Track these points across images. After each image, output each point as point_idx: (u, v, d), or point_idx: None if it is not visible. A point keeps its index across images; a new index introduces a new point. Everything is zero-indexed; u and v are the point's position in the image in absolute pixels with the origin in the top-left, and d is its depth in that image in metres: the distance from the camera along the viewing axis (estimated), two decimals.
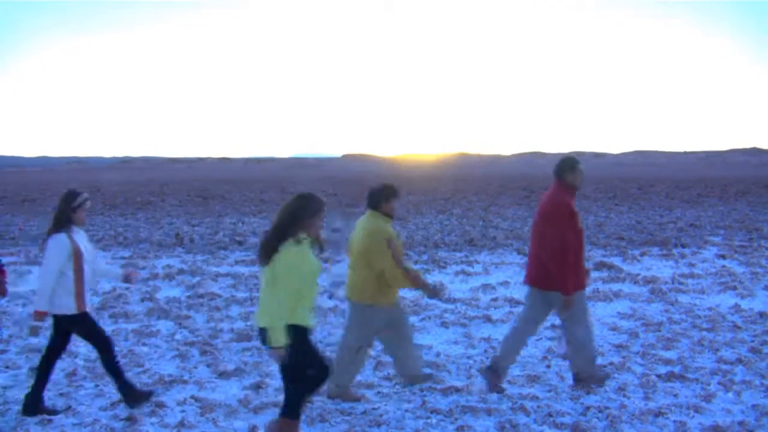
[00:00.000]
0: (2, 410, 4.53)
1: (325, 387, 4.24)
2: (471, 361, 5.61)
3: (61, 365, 5.51)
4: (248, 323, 6.93)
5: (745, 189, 34.48)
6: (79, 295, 4.42)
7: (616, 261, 10.72)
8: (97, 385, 5.02)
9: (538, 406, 4.48)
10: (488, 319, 7.04)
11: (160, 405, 4.55)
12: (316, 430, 4.21)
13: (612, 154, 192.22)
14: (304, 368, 3.65)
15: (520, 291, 8.52)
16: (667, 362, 5.52)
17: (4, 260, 11.19)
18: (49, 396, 4.77)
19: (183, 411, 4.50)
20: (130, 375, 5.27)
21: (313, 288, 3.67)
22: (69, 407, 4.55)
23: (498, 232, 15.14)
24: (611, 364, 5.42)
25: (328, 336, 6.49)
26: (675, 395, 4.74)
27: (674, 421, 4.26)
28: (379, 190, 4.73)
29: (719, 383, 4.94)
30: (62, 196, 4.54)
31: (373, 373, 5.35)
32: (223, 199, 28.96)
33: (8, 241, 14.28)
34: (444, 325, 6.81)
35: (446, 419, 4.31)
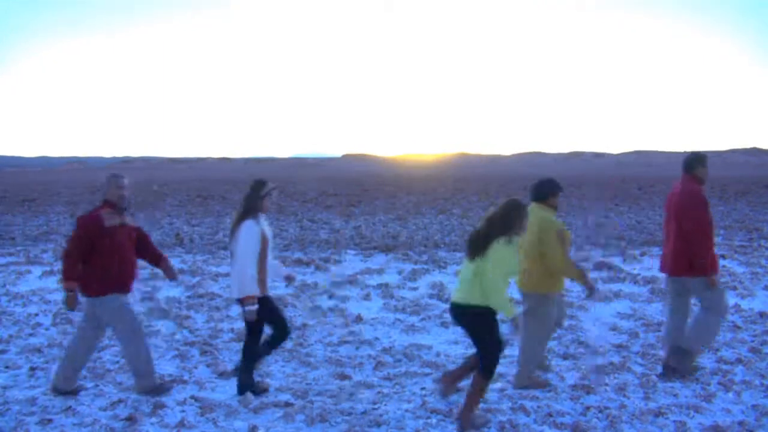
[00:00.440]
0: (2, 410, 4.53)
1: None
2: None
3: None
4: None
5: (745, 189, 34.50)
6: (263, 281, 4.64)
7: (616, 261, 10.72)
8: (97, 385, 5.02)
9: (538, 406, 4.48)
10: None
11: (160, 405, 4.55)
12: (316, 430, 4.21)
13: (612, 154, 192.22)
14: (499, 343, 4.24)
15: (518, 291, 8.51)
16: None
17: (4, 260, 11.21)
18: (49, 396, 4.77)
19: (183, 411, 4.50)
20: (129, 375, 5.28)
21: (507, 282, 4.18)
22: (69, 407, 4.55)
23: None
24: (611, 364, 5.42)
25: (327, 336, 6.49)
26: (675, 395, 4.74)
27: (674, 421, 4.26)
28: (545, 183, 4.99)
29: (719, 383, 4.94)
30: (252, 185, 4.77)
31: (373, 373, 5.35)
32: (223, 199, 28.97)
33: (8, 241, 14.28)
34: (444, 325, 6.81)
35: (446, 419, 4.31)
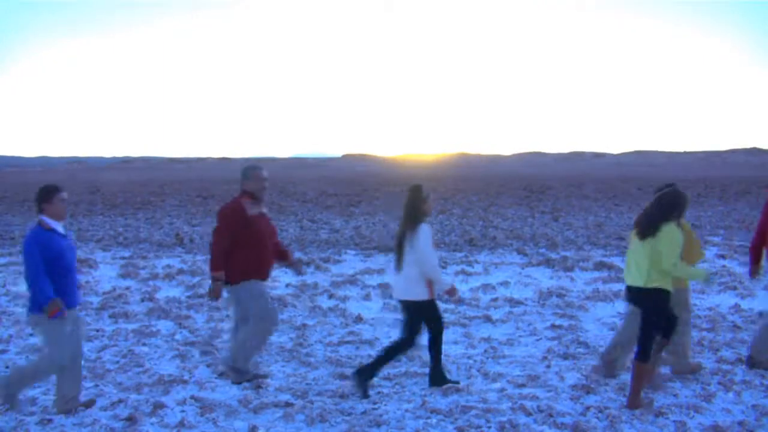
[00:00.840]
0: (2, 410, 4.53)
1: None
2: (471, 361, 5.61)
3: None
4: None
5: (745, 189, 34.49)
6: (430, 283, 4.78)
7: (616, 261, 10.72)
8: (97, 385, 5.02)
9: (538, 406, 4.48)
10: (488, 319, 7.04)
11: (160, 405, 4.54)
12: (316, 430, 4.21)
13: (612, 154, 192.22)
14: (672, 320, 4.60)
15: (520, 291, 8.53)
16: (667, 362, 5.50)
17: (4, 260, 11.21)
18: (49, 396, 4.77)
19: (183, 411, 4.50)
20: (129, 375, 5.28)
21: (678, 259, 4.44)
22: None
23: (498, 232, 15.14)
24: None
25: (327, 336, 6.49)
26: (675, 395, 4.74)
27: (674, 421, 4.26)
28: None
29: (719, 383, 4.94)
30: (412, 190, 4.85)
31: None
32: (223, 199, 28.97)
33: (8, 241, 14.28)
34: (444, 325, 6.80)
35: (446, 419, 4.31)
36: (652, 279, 4.41)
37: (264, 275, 5.08)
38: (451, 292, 4.91)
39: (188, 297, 8.19)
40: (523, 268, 10.20)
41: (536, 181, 45.50)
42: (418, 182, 5.00)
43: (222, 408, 4.54)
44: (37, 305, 4.21)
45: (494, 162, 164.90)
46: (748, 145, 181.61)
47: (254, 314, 4.97)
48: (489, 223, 17.27)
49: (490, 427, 4.19)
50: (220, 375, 5.27)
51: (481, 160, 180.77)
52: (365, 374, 4.80)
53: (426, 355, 5.74)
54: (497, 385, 4.98)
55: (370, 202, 26.58)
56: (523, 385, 4.98)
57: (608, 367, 5.11)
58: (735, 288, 8.47)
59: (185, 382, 5.11)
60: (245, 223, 4.90)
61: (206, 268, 10.24)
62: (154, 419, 4.34)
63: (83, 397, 4.61)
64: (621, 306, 7.64)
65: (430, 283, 4.77)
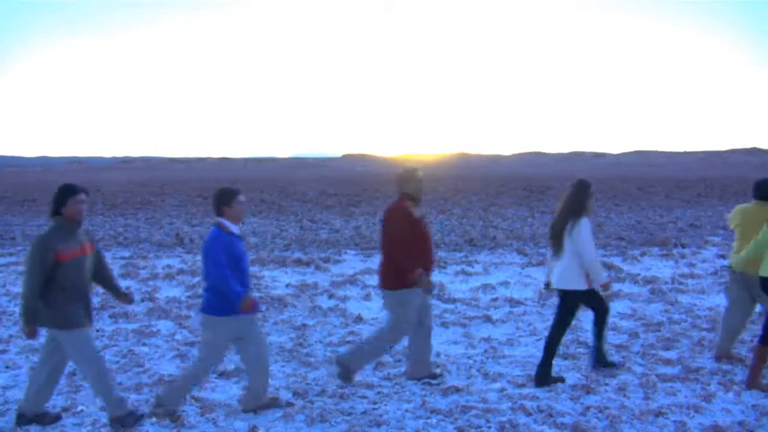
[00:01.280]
0: (2, 410, 4.53)
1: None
2: (471, 361, 5.61)
3: None
4: None
5: (745, 189, 34.45)
6: (587, 275, 4.90)
7: (616, 261, 10.72)
8: None
9: (538, 406, 4.48)
10: (488, 319, 7.04)
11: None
12: (316, 430, 4.21)
13: (612, 154, 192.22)
14: None
15: (520, 291, 8.53)
16: (667, 362, 5.52)
17: (4, 260, 11.20)
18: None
19: (183, 411, 4.49)
20: (129, 375, 5.28)
21: None
22: (69, 407, 4.55)
23: (498, 232, 15.14)
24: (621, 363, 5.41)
25: (327, 336, 6.49)
26: (675, 395, 4.74)
27: (674, 421, 4.26)
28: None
29: (719, 383, 4.94)
30: (579, 185, 5.01)
31: (373, 373, 5.34)
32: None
33: (8, 241, 14.28)
34: (444, 325, 6.81)
35: (446, 419, 4.31)
36: None
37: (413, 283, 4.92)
38: (606, 286, 4.98)
39: (188, 297, 8.19)
40: (523, 268, 10.20)
41: (536, 181, 45.50)
42: (585, 179, 5.12)
43: (222, 408, 4.55)
44: (222, 306, 4.24)
45: (494, 162, 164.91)
46: (748, 145, 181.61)
47: (394, 325, 4.90)
48: (489, 223, 17.27)
49: (490, 427, 4.19)
50: (220, 375, 5.27)
51: (481, 160, 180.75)
52: (544, 375, 4.97)
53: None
54: (497, 385, 4.99)
55: (370, 202, 26.58)
56: (523, 385, 4.98)
57: (728, 356, 5.47)
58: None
59: None
60: (411, 225, 4.85)
61: None
62: (154, 419, 4.34)
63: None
64: (620, 306, 7.65)
65: (587, 274, 4.90)
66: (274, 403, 4.52)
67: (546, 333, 6.41)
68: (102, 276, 4.42)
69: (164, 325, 6.88)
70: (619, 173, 69.41)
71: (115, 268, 10.40)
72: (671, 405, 4.51)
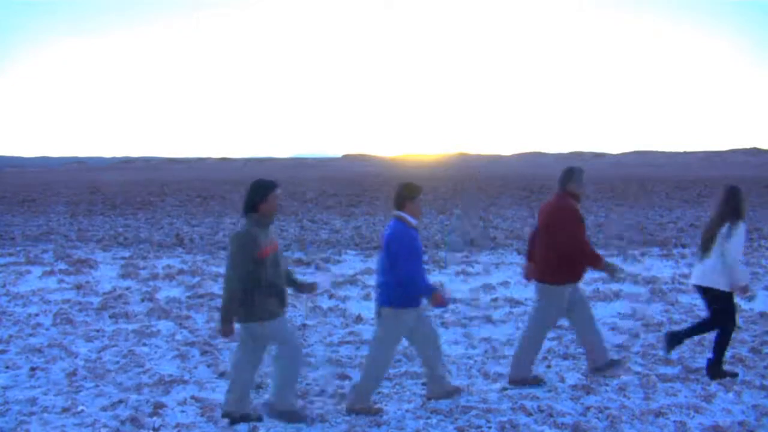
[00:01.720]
0: (2, 410, 4.54)
1: None
2: (471, 362, 5.61)
3: (61, 365, 5.52)
4: None
5: (745, 189, 34.46)
6: (730, 277, 4.98)
7: (617, 261, 10.72)
8: (97, 385, 5.02)
9: (539, 406, 4.48)
10: (488, 319, 7.04)
11: (160, 405, 4.55)
12: (316, 430, 4.21)
13: (612, 154, 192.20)
14: None
15: (520, 291, 8.52)
16: (667, 362, 5.52)
17: (4, 260, 11.20)
18: (49, 396, 4.77)
19: (183, 411, 4.50)
20: (130, 375, 5.28)
21: None
22: (69, 407, 4.55)
23: (498, 232, 15.14)
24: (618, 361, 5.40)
25: (327, 336, 6.49)
26: (675, 395, 4.74)
27: (674, 421, 4.26)
28: None
29: (719, 383, 4.94)
30: (735, 190, 5.12)
31: None
32: (223, 199, 28.97)
33: (8, 241, 14.28)
34: (444, 325, 6.81)
35: (446, 419, 4.31)
36: None
37: (580, 277, 5.04)
38: (744, 290, 5.05)
39: (188, 297, 8.19)
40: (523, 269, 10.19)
41: (536, 181, 45.51)
42: (735, 183, 5.28)
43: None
44: (406, 299, 4.33)
45: (494, 162, 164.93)
46: (748, 145, 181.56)
47: (540, 320, 5.00)
48: (489, 223, 17.27)
49: (490, 428, 4.19)
50: (220, 375, 5.26)
51: (481, 160, 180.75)
52: (676, 339, 5.16)
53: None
54: (497, 386, 4.99)
55: (371, 202, 26.58)
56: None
57: None
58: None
59: (185, 382, 5.12)
60: (580, 223, 4.94)
61: (206, 268, 10.24)
62: (154, 419, 4.34)
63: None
64: (620, 306, 7.65)
65: (730, 277, 4.96)
66: (457, 392, 4.65)
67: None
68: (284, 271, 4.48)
69: (164, 326, 6.88)
70: (619, 173, 69.39)
71: (115, 268, 10.41)
72: (671, 405, 4.51)
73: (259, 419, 4.28)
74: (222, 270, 10.03)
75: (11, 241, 14.14)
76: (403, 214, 4.41)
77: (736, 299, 5.22)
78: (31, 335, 6.48)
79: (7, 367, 5.50)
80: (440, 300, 4.33)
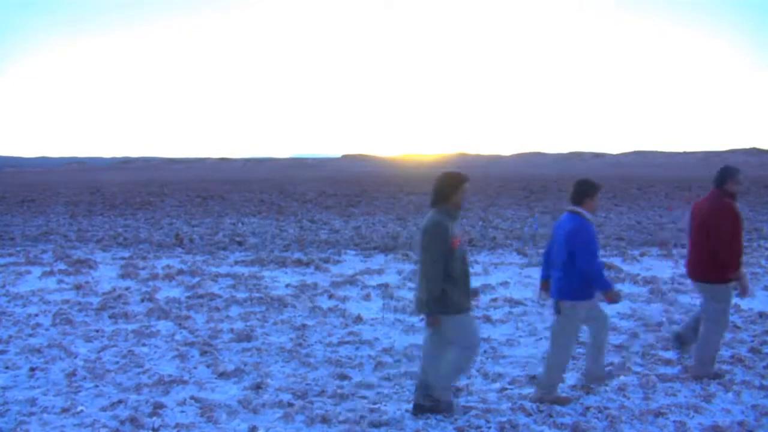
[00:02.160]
0: (2, 410, 4.54)
1: None
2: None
3: (61, 365, 5.52)
4: (248, 323, 6.94)
5: (745, 189, 34.49)
6: None
7: (616, 261, 10.73)
8: (96, 385, 5.02)
9: (538, 407, 4.49)
10: (488, 319, 7.04)
11: (160, 405, 4.55)
12: (316, 431, 4.21)
13: (612, 154, 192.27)
14: None
15: (519, 291, 8.52)
16: (667, 362, 5.52)
17: (4, 261, 11.19)
18: (49, 396, 4.77)
19: (183, 411, 4.50)
20: (129, 375, 5.28)
21: None
22: (69, 408, 4.55)
23: (498, 232, 15.14)
24: (611, 364, 5.42)
25: (327, 336, 6.49)
26: (675, 395, 4.74)
27: (674, 421, 4.26)
28: None
29: (719, 383, 4.94)
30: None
31: (373, 374, 5.35)
32: (223, 199, 28.95)
33: (8, 241, 14.28)
34: None
35: (446, 419, 4.32)
36: None
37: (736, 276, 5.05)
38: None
39: (188, 297, 8.19)
40: (522, 269, 10.21)
41: (536, 181, 45.52)
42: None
43: (222, 408, 4.55)
44: (584, 291, 4.47)
45: (494, 162, 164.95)
46: (748, 145, 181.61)
47: (711, 318, 5.04)
48: (489, 223, 17.28)
49: (490, 428, 4.19)
50: (220, 375, 5.26)
51: (481, 160, 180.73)
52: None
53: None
54: (497, 386, 4.99)
55: (370, 202, 26.57)
56: (523, 386, 4.99)
57: None
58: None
59: (185, 382, 5.12)
60: (740, 224, 4.96)
61: (206, 268, 10.24)
62: (154, 419, 4.34)
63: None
64: (620, 306, 7.64)
65: None
66: (608, 377, 4.82)
67: (546, 333, 6.42)
68: None
69: (164, 326, 6.88)
70: (618, 173, 69.38)
71: (114, 268, 10.41)
72: (671, 405, 4.52)
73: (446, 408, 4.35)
74: (222, 270, 10.07)
75: (11, 242, 14.14)
76: (580, 209, 4.54)
77: (735, 299, 5.24)
78: (30, 335, 6.49)
79: (7, 368, 5.50)
80: (614, 297, 4.45)
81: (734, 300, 7.89)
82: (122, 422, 4.30)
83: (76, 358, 5.75)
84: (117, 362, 5.63)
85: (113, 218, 20.16)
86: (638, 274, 9.39)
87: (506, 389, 4.90)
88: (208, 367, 5.51)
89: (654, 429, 4.19)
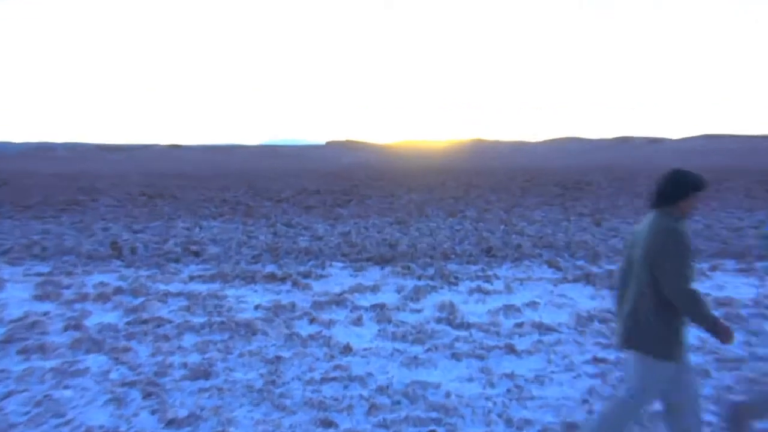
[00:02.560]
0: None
1: None
2: (490, 404, 5.62)
3: None
4: (206, 356, 6.93)
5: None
6: None
7: None
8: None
9: None
10: (511, 349, 7.06)
11: None
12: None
13: (671, 140, 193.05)
14: None
15: (551, 314, 8.55)
16: None
17: None
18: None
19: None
20: (44, 429, 5.25)
21: None
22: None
23: (523, 239, 15.20)
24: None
25: (308, 371, 6.49)
26: None
27: None
28: None
29: None
30: None
31: (366, 419, 5.36)
32: (175, 198, 28.98)
33: None
34: (455, 357, 6.83)
35: None
36: None
37: None
38: None
39: (127, 323, 8.18)
40: (555, 285, 10.24)
41: (572, 174, 45.70)
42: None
43: None
44: None
45: (518, 150, 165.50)
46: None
47: None
48: (512, 228, 17.33)
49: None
50: (168, 423, 5.26)
51: (502, 147, 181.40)
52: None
53: (433, 396, 5.76)
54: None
55: (362, 201, 26.63)
56: None
57: None
58: None
59: None
60: None
61: (152, 285, 10.23)
62: None
63: None
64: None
65: None
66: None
67: (586, 368, 6.43)
68: None
69: (94, 361, 6.86)
70: (681, 162, 69.67)
71: (28, 287, 10.37)
72: None
73: None
74: (173, 288, 10.06)
75: None
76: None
77: None
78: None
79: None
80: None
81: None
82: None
83: None
84: (27, 412, 5.57)
85: (26, 222, 20.13)
86: (708, 294, 9.43)
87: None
88: (153, 413, 5.50)
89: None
